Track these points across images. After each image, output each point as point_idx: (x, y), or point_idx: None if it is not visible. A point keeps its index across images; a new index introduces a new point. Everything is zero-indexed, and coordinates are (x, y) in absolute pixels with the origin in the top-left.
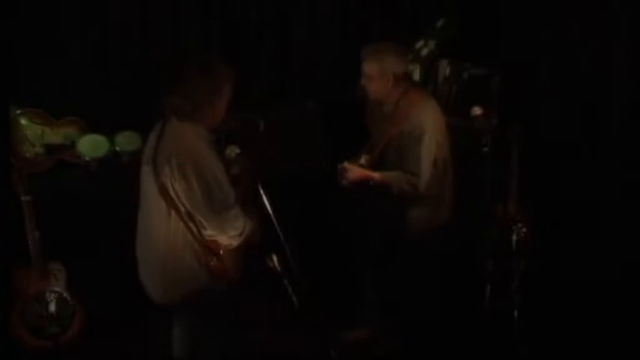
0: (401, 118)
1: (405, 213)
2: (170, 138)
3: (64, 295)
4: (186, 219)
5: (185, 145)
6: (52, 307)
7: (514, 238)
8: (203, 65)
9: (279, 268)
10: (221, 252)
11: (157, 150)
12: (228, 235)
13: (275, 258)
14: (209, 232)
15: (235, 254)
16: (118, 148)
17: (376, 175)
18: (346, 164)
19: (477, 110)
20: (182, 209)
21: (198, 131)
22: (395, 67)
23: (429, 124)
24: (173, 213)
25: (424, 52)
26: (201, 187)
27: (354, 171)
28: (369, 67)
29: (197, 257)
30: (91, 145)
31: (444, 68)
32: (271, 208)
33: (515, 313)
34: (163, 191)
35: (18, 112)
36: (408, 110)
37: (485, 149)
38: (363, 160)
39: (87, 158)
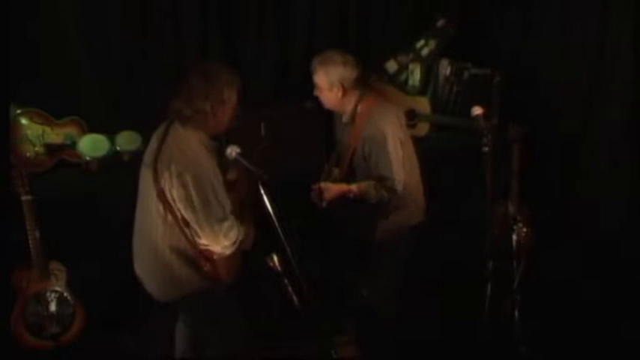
0: (361, 126)
1: (382, 217)
2: (172, 143)
3: (65, 294)
4: (182, 224)
5: (186, 153)
6: (53, 307)
7: (514, 238)
8: (205, 71)
9: (279, 268)
10: (215, 257)
11: (158, 153)
12: (221, 245)
13: (275, 258)
14: (202, 242)
15: (229, 259)
16: (118, 148)
17: (353, 187)
18: (322, 184)
19: (477, 110)
20: (178, 215)
21: (200, 138)
22: (342, 76)
23: (388, 126)
24: (170, 217)
25: (424, 51)
26: (199, 198)
27: (331, 189)
28: (317, 78)
29: (192, 261)
30: (91, 145)
31: (444, 68)
32: (272, 208)
33: (516, 313)
34: (161, 196)
35: (18, 111)
36: (366, 117)
37: (486, 149)
38: (335, 174)
39: (87, 158)
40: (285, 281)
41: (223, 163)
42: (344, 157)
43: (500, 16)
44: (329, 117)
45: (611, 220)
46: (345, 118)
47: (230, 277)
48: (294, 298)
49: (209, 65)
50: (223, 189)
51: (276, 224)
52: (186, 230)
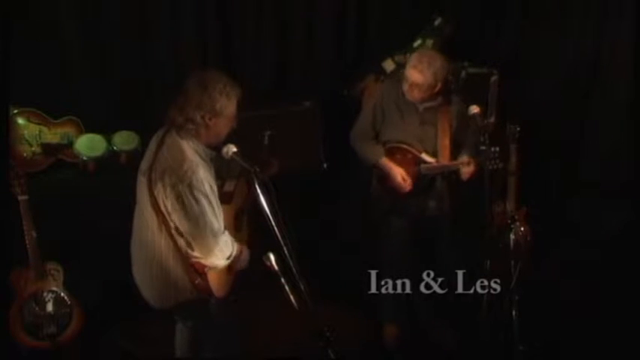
0: (448, 105)
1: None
2: (167, 152)
3: (62, 294)
4: (175, 235)
5: (181, 164)
6: (50, 307)
7: (512, 237)
8: (201, 80)
9: (276, 268)
10: (206, 270)
11: (153, 162)
12: (214, 258)
13: (272, 257)
14: (195, 254)
15: (221, 276)
16: (115, 148)
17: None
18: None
19: (474, 109)
20: (172, 225)
21: (197, 147)
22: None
23: None
24: (164, 227)
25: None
26: (193, 210)
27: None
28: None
29: (184, 272)
30: (88, 145)
31: None
32: (268, 207)
33: (515, 313)
34: (155, 205)
35: (15, 111)
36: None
37: (484, 148)
38: (430, 160)
39: (84, 158)
40: (283, 281)
41: (221, 172)
42: (439, 138)
43: (498, 15)
44: (332, 117)
45: (610, 219)
46: (429, 105)
47: (222, 292)
48: (292, 297)
49: (206, 74)
50: (219, 203)
51: (273, 223)
52: (179, 240)
